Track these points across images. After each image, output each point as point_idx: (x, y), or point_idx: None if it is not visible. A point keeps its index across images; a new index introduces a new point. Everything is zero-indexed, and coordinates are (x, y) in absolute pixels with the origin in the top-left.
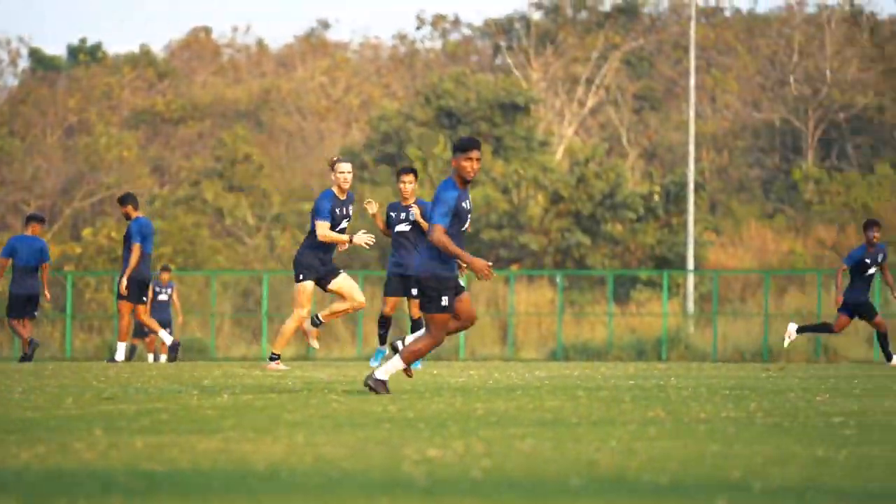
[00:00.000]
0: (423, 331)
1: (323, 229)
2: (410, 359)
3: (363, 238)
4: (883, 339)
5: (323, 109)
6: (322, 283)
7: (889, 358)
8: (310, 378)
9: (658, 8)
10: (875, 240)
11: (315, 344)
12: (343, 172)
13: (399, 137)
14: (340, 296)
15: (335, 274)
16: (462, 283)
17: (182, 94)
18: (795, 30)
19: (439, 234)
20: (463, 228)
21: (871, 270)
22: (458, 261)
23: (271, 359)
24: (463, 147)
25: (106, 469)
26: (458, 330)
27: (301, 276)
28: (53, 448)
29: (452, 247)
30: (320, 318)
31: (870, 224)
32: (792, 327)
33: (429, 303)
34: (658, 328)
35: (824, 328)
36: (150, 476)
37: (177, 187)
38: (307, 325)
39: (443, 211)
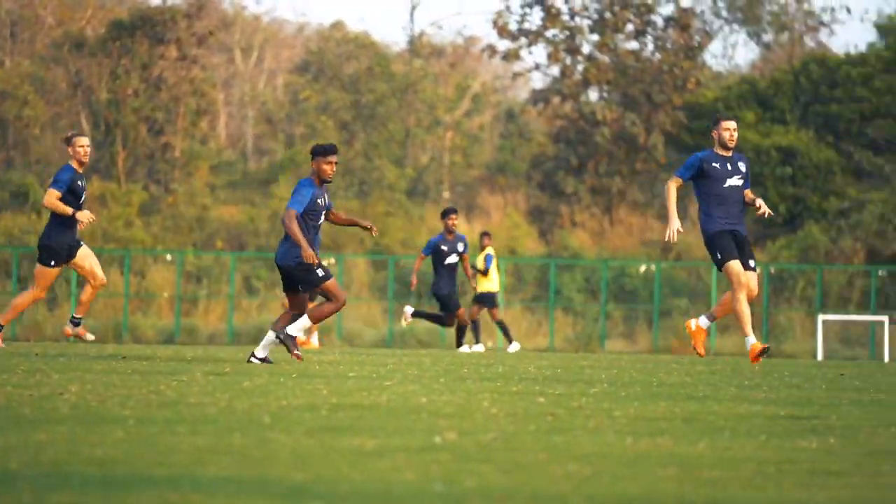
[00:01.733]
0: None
1: (52, 197)
2: (316, 317)
3: (86, 216)
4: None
5: None
6: (68, 260)
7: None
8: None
9: None
10: (452, 226)
11: (90, 337)
12: (83, 146)
13: None
14: (84, 276)
15: (78, 246)
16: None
17: None
18: None
19: (290, 219)
20: (319, 222)
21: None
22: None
23: None
24: (324, 151)
25: None
26: (333, 312)
27: (52, 263)
28: None
29: (297, 232)
30: (77, 316)
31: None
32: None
33: (310, 281)
34: None
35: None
36: None
37: None
38: (71, 328)
39: (299, 199)
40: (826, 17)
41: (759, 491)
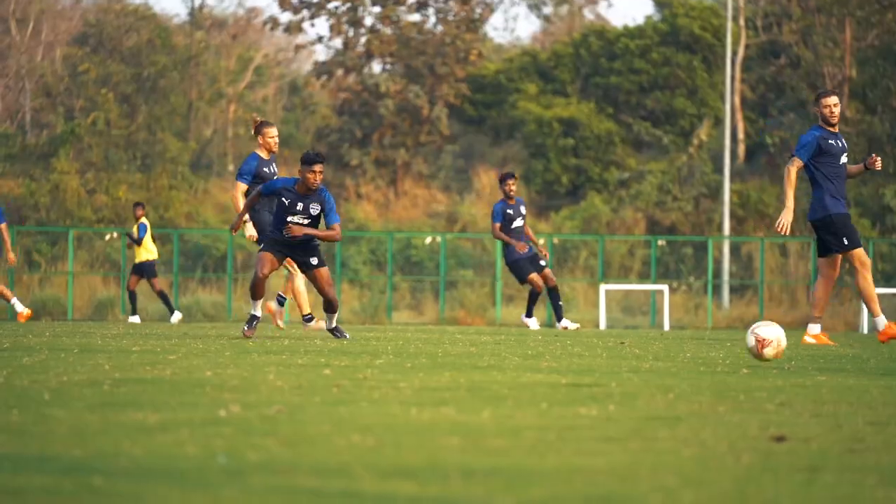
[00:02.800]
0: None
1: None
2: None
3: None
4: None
5: None
6: None
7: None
8: None
9: None
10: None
11: None
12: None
13: None
14: None
15: None
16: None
17: None
18: None
19: (238, 193)
20: (289, 220)
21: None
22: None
23: None
24: (309, 161)
25: None
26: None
27: None
28: None
29: (239, 205)
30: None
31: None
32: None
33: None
34: None
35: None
36: None
37: None
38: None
39: (271, 188)
40: None
41: (540, 458)
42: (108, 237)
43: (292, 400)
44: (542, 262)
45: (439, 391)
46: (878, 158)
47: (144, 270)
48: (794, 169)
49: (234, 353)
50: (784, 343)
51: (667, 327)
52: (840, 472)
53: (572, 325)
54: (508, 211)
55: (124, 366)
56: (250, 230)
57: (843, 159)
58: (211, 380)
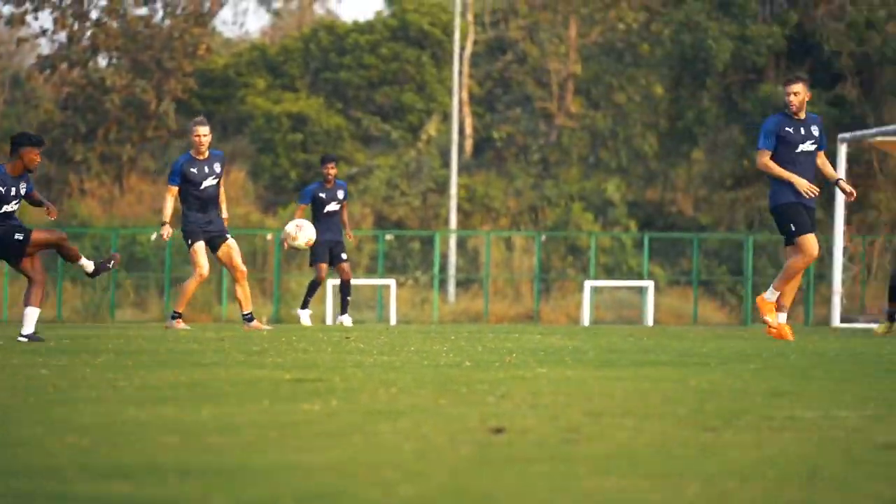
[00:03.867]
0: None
1: None
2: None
3: None
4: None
5: None
6: None
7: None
8: None
9: None
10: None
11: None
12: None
13: None
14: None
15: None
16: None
17: None
18: None
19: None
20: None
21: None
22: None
23: None
24: (30, 142)
25: None
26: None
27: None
28: None
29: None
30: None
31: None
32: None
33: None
34: None
35: None
36: None
37: None
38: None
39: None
40: None
41: (259, 455)
42: None
43: (5, 401)
44: (344, 256)
45: (160, 389)
46: (853, 194)
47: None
48: (762, 159)
49: None
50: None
51: (393, 321)
52: (554, 462)
53: (348, 322)
54: (321, 195)
55: None
56: None
57: (806, 147)
58: None
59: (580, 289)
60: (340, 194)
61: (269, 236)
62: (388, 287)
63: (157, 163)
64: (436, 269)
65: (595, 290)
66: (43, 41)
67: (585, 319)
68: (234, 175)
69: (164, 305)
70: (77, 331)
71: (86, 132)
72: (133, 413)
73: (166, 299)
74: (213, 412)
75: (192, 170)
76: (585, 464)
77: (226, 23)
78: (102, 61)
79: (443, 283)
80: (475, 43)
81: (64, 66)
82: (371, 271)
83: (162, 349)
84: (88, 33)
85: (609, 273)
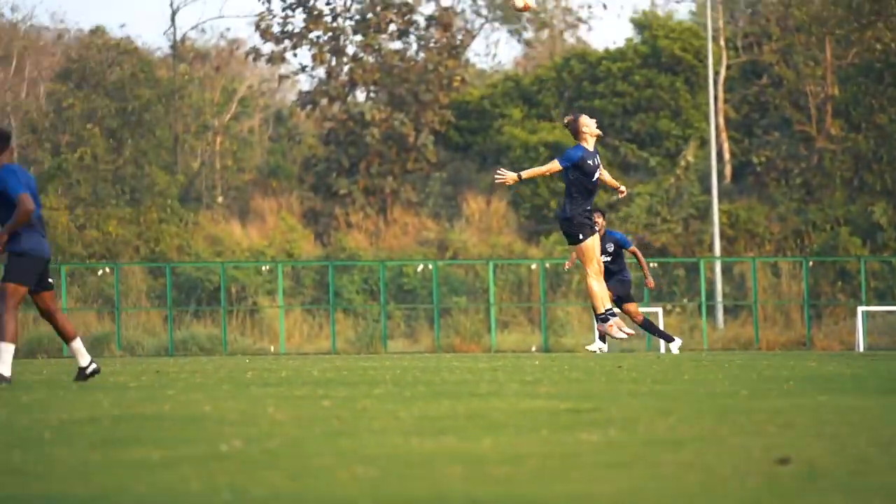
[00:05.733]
0: None
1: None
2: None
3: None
4: None
5: None
6: None
7: None
8: None
9: None
10: None
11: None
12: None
13: None
14: None
15: None
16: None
17: None
18: None
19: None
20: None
21: None
22: None
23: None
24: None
25: None
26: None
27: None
28: None
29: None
30: None
31: None
32: None
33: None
34: None
35: None
36: None
37: None
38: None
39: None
40: (584, 14)
41: (546, 485)
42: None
43: (293, 433)
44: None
45: (439, 420)
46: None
47: None
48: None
49: (232, 387)
50: None
51: (662, 350)
52: (847, 493)
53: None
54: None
55: (123, 402)
56: None
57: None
58: (210, 414)
59: (852, 314)
60: (610, 247)
61: (533, 266)
62: (655, 314)
63: (418, 194)
64: (703, 296)
65: (866, 314)
66: (302, 77)
67: (860, 345)
68: (494, 205)
69: (434, 335)
70: (353, 362)
71: (349, 166)
72: (416, 444)
73: (436, 329)
74: (493, 442)
75: (588, 161)
76: (879, 495)
77: (478, 54)
78: (360, 95)
79: (710, 310)
80: (728, 67)
81: (324, 101)
82: (636, 300)
83: (437, 379)
84: (346, 68)
85: (880, 297)
